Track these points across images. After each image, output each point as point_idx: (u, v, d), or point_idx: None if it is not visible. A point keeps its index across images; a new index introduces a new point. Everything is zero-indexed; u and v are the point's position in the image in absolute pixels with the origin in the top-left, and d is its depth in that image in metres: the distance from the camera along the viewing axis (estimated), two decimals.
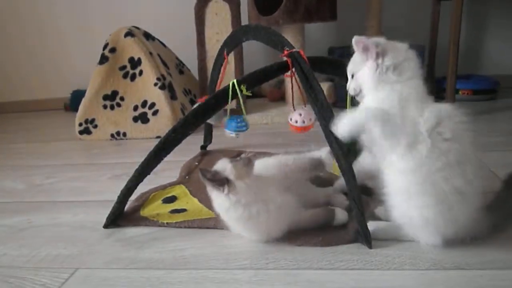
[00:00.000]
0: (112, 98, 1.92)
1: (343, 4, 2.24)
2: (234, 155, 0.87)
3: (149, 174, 0.99)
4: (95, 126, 1.93)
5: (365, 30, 2.14)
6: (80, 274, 0.82)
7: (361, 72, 0.82)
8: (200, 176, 0.83)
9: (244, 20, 2.06)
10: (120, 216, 1.04)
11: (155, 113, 1.88)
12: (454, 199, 0.74)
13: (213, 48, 2.04)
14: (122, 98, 1.92)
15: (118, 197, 1.00)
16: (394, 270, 0.75)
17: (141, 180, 1.00)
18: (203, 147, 1.57)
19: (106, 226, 1.01)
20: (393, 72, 0.79)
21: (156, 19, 2.57)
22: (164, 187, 1.22)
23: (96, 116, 1.93)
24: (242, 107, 0.98)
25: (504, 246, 0.80)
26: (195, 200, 1.12)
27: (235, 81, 0.92)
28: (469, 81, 2.17)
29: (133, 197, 1.14)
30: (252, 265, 0.79)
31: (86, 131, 1.94)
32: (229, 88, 0.92)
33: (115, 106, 1.92)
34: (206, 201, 1.07)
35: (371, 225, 0.83)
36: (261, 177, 0.88)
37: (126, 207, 1.07)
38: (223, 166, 0.84)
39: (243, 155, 0.87)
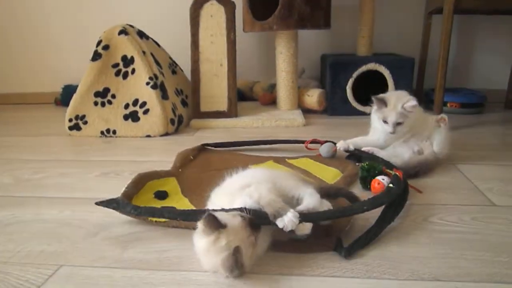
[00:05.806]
0: (103, 95, 1.92)
1: (337, 13, 2.28)
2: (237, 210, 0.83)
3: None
4: (85, 123, 1.93)
5: (357, 40, 2.18)
6: (64, 271, 0.82)
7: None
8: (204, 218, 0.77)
9: (239, 23, 2.08)
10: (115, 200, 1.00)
11: (146, 112, 1.88)
12: None
13: (207, 50, 2.05)
14: (113, 96, 1.92)
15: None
16: (374, 279, 0.77)
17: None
18: (205, 144, 1.60)
19: (98, 203, 0.98)
20: None
21: (150, 18, 2.58)
22: (159, 177, 1.22)
23: (87, 112, 1.93)
24: None
25: (479, 259, 0.82)
26: (186, 200, 1.12)
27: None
28: (457, 94, 2.22)
29: (134, 174, 1.16)
30: None
31: (76, 127, 1.93)
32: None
33: (106, 104, 1.92)
34: (197, 202, 1.08)
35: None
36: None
37: (122, 190, 1.06)
38: (230, 219, 0.79)
39: (244, 214, 0.80)
